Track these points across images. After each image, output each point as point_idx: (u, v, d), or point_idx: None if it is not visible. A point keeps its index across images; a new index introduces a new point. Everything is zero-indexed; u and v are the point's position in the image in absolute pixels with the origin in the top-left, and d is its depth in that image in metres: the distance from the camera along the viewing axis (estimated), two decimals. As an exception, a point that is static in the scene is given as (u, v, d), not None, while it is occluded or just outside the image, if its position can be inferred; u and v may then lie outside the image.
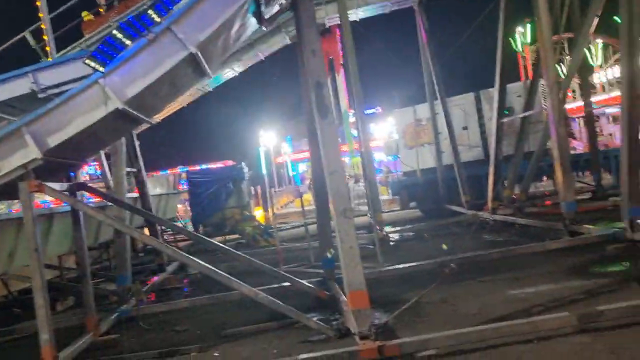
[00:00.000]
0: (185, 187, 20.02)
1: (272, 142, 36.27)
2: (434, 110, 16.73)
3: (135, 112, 5.52)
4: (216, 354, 5.91)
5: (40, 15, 11.14)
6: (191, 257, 6.37)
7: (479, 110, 16.68)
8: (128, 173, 10.68)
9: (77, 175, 7.67)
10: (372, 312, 5.79)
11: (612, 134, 27.38)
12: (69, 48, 12.88)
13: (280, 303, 6.01)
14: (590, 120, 15.81)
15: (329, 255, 7.89)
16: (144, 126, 10.98)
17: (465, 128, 16.75)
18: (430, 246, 11.16)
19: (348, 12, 13.77)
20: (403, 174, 18.88)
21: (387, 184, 20.24)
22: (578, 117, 20.54)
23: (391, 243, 12.50)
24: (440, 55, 16.72)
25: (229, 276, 6.02)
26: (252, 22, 6.31)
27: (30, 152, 5.22)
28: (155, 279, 10.70)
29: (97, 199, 10.24)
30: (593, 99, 22.24)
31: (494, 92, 13.34)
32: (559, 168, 9.78)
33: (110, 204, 9.31)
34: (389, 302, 6.77)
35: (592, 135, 15.54)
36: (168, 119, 19.19)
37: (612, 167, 15.14)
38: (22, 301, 9.39)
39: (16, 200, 6.19)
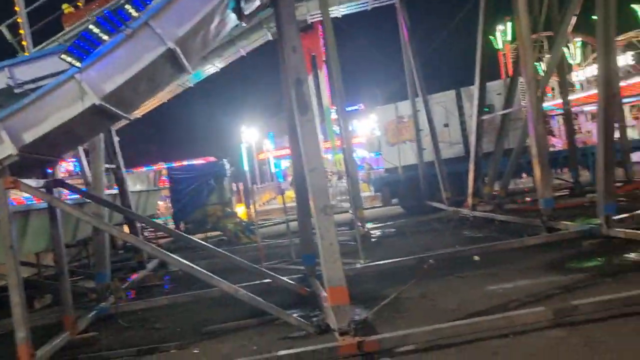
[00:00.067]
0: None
1: (254, 138, 36.21)
2: (416, 108, 16.80)
3: (112, 108, 5.45)
4: (196, 351, 5.89)
5: (17, 9, 10.94)
6: (171, 254, 6.33)
7: (460, 108, 16.82)
8: (107, 169, 10.55)
9: (54, 171, 7.54)
10: (352, 308, 5.82)
11: (591, 132, 27.77)
12: (47, 42, 12.67)
13: (261, 300, 6.02)
14: (569, 117, 16.02)
15: None
16: (123, 122, 10.85)
17: (446, 125, 16.88)
18: (411, 242, 11.25)
19: (329, 8, 13.77)
20: (385, 170, 18.95)
21: (368, 180, 20.29)
22: (557, 115, 20.81)
23: (373, 239, 12.57)
24: (422, 53, 16.83)
25: (208, 273, 6.00)
26: (232, 17, 6.27)
27: (6, 148, 5.12)
28: (135, 276, 10.61)
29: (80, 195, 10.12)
30: (572, 97, 22.57)
31: (474, 89, 13.45)
32: (537, 165, 9.91)
33: (89, 200, 9.20)
34: (369, 298, 6.80)
35: (571, 132, 15.76)
36: (149, 114, 19.03)
37: (590, 164, 15.37)
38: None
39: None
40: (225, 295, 6.50)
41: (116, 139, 11.59)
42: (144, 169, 30.48)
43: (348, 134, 13.24)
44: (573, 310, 5.08)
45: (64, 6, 12.94)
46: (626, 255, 7.52)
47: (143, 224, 13.40)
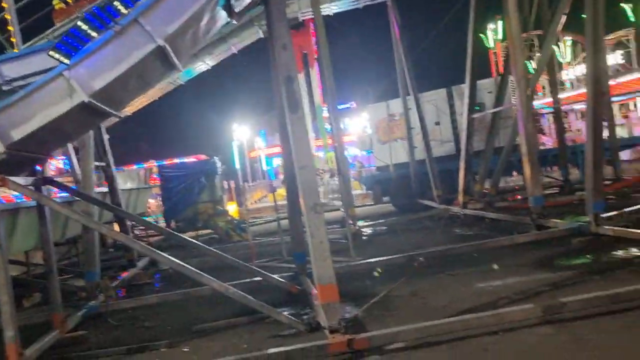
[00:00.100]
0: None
1: (245, 136, 36.11)
2: (407, 106, 16.84)
3: (101, 106, 5.41)
4: (186, 349, 5.88)
5: (5, 5, 10.83)
6: (160, 252, 6.31)
7: (451, 106, 16.86)
8: (97, 167, 10.48)
9: (44, 169, 7.48)
10: (343, 306, 5.84)
11: (580, 130, 27.92)
12: (36, 39, 12.56)
13: (251, 298, 6.01)
14: (559, 116, 16.11)
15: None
16: (113, 120, 10.78)
17: (437, 123, 16.92)
18: (402, 240, 11.28)
19: (321, 6, 13.75)
20: (376, 168, 18.97)
21: (360, 178, 20.32)
22: (548, 113, 20.93)
23: (364, 237, 12.59)
24: (413, 51, 16.86)
25: (199, 271, 5.99)
26: (222, 15, 6.24)
27: (-7, 146, 5.08)
28: (126, 274, 10.56)
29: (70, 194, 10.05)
30: (562, 95, 22.71)
31: (465, 87, 13.50)
32: (527, 163, 9.96)
33: (78, 198, 9.14)
34: (360, 295, 6.82)
35: (560, 131, 15.85)
36: (140, 112, 18.94)
37: (580, 163, 15.46)
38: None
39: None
40: (216, 293, 6.49)
41: (106, 136, 11.53)
42: (135, 166, 30.32)
43: (339, 132, 13.24)
44: (561, 308, 5.12)
45: (55, 2, 12.83)
46: (614, 252, 7.58)
47: (133, 222, 13.34)
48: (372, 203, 19.27)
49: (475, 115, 13.65)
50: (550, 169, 16.61)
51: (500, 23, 33.59)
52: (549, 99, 18.62)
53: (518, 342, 4.71)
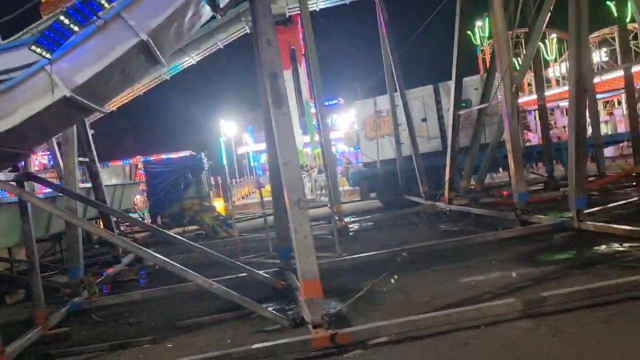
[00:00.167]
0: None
1: (233, 132, 35.97)
2: (394, 102, 16.89)
3: (84, 100, 5.36)
4: (169, 345, 5.86)
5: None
6: (144, 248, 6.28)
7: (438, 103, 16.95)
8: (81, 163, 10.40)
9: (27, 164, 7.43)
10: (327, 301, 5.85)
11: (566, 127, 28.21)
12: (20, 33, 12.39)
13: (235, 294, 6.00)
14: (544, 113, 16.25)
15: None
16: (97, 115, 10.70)
17: (424, 120, 17.00)
18: (388, 236, 11.33)
19: (308, 2, 13.75)
20: (363, 165, 19.04)
21: (347, 175, 20.37)
22: (534, 110, 21.09)
23: (350, 233, 12.62)
24: (400, 47, 16.90)
25: (183, 268, 5.97)
26: (207, 10, 6.21)
27: (-27, 141, 5.02)
28: (110, 270, 10.51)
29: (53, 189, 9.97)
30: (548, 92, 22.88)
31: (452, 84, 13.56)
32: (511, 160, 10.03)
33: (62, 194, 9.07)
34: (344, 291, 6.84)
35: (545, 127, 15.99)
36: (125, 107, 18.82)
37: (564, 159, 15.61)
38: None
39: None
40: (201, 289, 6.48)
41: (91, 131, 11.44)
42: (121, 162, 30.13)
43: (326, 128, 13.24)
44: (542, 302, 5.17)
45: (42, -7, 12.64)
46: (596, 247, 7.68)
47: (118, 219, 13.27)
48: (359, 199, 19.33)
49: (462, 112, 13.72)
50: (536, 166, 16.76)
51: (487, 20, 33.78)
52: (535, 96, 18.78)
53: (499, 336, 4.75)
